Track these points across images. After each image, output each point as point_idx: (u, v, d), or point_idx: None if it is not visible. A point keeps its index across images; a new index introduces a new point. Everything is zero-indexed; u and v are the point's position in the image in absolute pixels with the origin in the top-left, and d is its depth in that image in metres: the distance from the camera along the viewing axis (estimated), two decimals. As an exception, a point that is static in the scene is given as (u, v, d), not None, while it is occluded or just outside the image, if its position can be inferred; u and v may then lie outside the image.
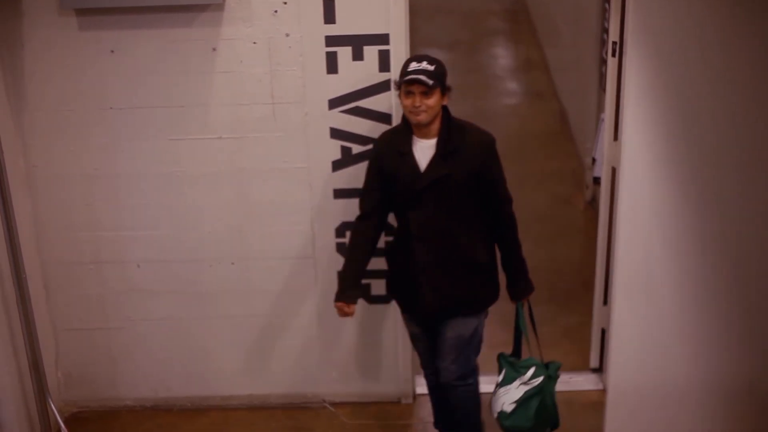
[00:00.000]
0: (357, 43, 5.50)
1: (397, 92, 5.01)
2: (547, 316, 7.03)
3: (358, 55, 5.52)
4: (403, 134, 5.04)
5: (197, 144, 5.70)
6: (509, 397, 5.29)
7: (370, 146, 5.61)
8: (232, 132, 5.68)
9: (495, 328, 6.92)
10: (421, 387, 6.28)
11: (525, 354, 5.48)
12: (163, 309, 6.03)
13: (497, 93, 11.01)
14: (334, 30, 5.48)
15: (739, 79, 5.07)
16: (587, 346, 6.45)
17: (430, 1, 12.95)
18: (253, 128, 5.65)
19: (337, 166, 5.70)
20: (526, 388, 5.28)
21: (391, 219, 5.26)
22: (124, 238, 5.90)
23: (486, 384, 6.22)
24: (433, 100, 4.87)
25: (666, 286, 5.40)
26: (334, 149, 5.69)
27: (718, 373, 5.54)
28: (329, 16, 5.46)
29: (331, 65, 5.54)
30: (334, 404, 6.19)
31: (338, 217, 5.80)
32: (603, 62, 7.23)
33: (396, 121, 5.60)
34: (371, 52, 5.51)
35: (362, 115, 5.61)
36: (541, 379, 5.28)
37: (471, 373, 5.36)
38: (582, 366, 6.48)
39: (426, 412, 6.13)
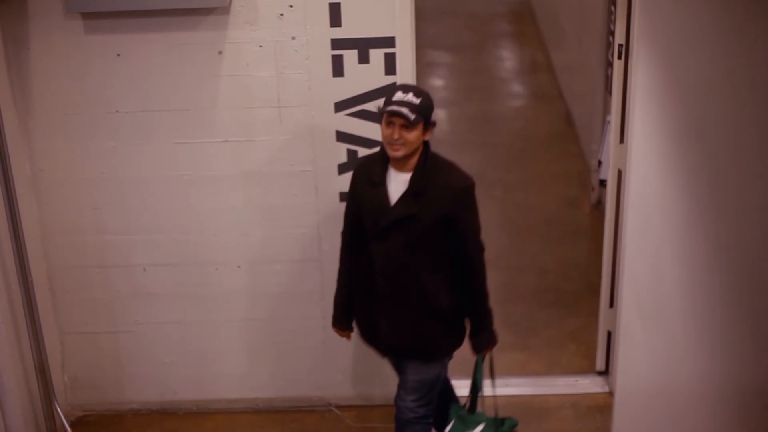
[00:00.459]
0: (363, 46, 5.50)
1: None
2: (553, 319, 7.05)
3: (364, 58, 5.52)
4: (379, 163, 4.81)
5: (203, 147, 5.70)
6: None
7: (376, 149, 5.60)
8: (239, 135, 5.68)
9: (501, 329, 6.87)
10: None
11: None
12: (169, 312, 6.04)
13: (503, 95, 11.00)
14: (339, 33, 5.48)
15: (745, 81, 5.06)
16: (593, 349, 6.45)
17: (436, 4, 12.98)
18: (260, 131, 5.66)
19: (343, 169, 5.70)
20: None
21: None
22: (130, 241, 5.91)
23: (486, 387, 6.28)
24: (413, 135, 4.62)
25: (673, 288, 5.40)
26: (340, 152, 5.69)
27: (726, 376, 5.53)
28: (335, 19, 5.46)
29: (337, 68, 5.54)
30: (339, 407, 6.19)
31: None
32: (609, 64, 7.22)
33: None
34: (377, 55, 5.51)
35: (368, 118, 5.61)
36: None
37: (431, 413, 5.14)
38: (588, 369, 6.48)
39: (432, 415, 6.13)
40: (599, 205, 8.22)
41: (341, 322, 5.19)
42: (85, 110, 5.66)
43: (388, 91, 4.88)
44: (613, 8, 6.82)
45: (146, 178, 5.78)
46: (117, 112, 5.65)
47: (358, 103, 5.60)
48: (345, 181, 5.70)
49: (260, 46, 5.52)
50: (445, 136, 9.89)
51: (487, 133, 9.96)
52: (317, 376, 6.15)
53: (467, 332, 5.03)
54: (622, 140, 5.74)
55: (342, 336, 5.24)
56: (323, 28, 5.48)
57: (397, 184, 4.75)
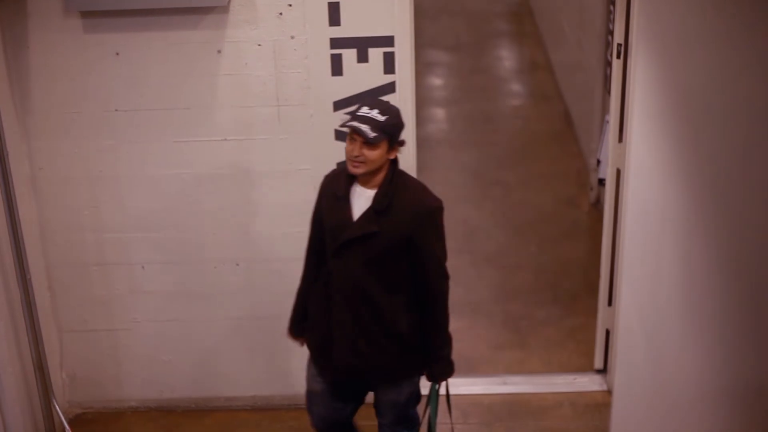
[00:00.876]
0: (362, 46, 5.50)
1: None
2: (552, 318, 7.07)
3: (362, 57, 5.53)
4: (345, 176, 4.62)
5: (202, 146, 5.71)
6: None
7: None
8: (237, 134, 5.68)
9: (497, 329, 6.97)
10: (425, 388, 6.30)
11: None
12: (167, 310, 6.05)
13: (502, 94, 11.01)
14: (338, 32, 5.49)
15: (745, 80, 5.07)
16: (591, 347, 6.46)
17: (435, 3, 12.97)
18: (258, 130, 5.66)
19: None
20: None
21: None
22: (129, 239, 5.91)
23: (482, 384, 6.32)
24: (375, 154, 4.45)
25: (672, 287, 5.40)
26: (338, 151, 5.68)
27: (725, 374, 5.54)
28: (334, 19, 5.46)
29: (336, 67, 5.55)
30: (338, 406, 6.20)
31: (343, 219, 5.81)
32: (608, 64, 7.23)
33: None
34: (376, 54, 5.52)
35: (367, 117, 5.61)
36: None
37: (414, 428, 5.04)
38: (586, 367, 6.49)
39: (430, 413, 6.15)
40: (598, 204, 8.23)
41: (295, 329, 5.06)
42: (85, 109, 5.66)
43: (355, 104, 4.79)
44: (612, 8, 6.83)
45: (145, 177, 5.79)
46: (116, 110, 5.66)
47: (357, 102, 5.60)
48: (344, 180, 5.72)
49: (259, 45, 5.53)
50: (444, 135, 9.91)
51: (486, 132, 9.97)
52: (316, 374, 6.15)
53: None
54: (620, 139, 5.75)
55: (295, 341, 5.10)
56: (322, 27, 5.48)
57: (361, 200, 4.59)
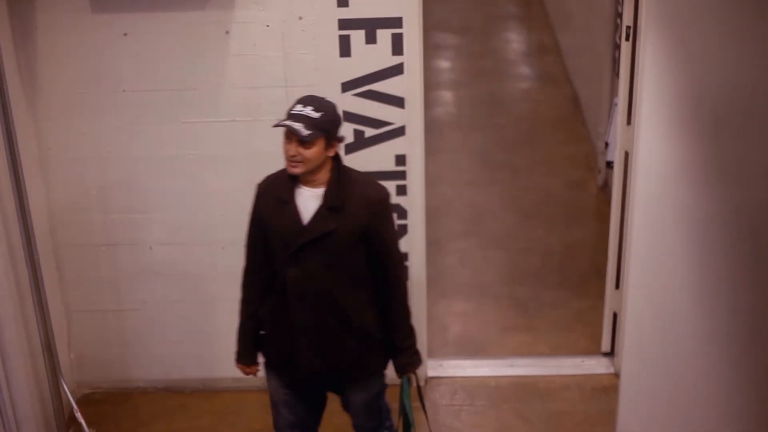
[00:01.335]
0: (370, 27, 5.49)
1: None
2: (560, 301, 7.07)
3: (371, 39, 5.52)
4: (286, 179, 4.47)
5: (210, 127, 5.71)
6: None
7: (383, 129, 5.63)
8: (245, 115, 5.68)
9: (505, 311, 6.98)
10: (433, 370, 6.32)
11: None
12: (175, 291, 6.05)
13: (510, 77, 10.99)
14: (347, 13, 5.47)
15: (757, 62, 5.03)
16: (599, 330, 6.46)
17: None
18: (266, 111, 5.64)
19: (350, 149, 5.70)
20: None
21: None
22: (137, 220, 5.92)
23: (489, 366, 6.30)
24: (311, 152, 4.31)
25: (681, 269, 5.39)
26: (347, 132, 5.67)
27: (734, 357, 5.52)
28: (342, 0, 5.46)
29: (344, 48, 5.54)
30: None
31: (351, 201, 5.80)
32: (616, 47, 7.21)
33: (409, 105, 5.61)
34: (384, 35, 5.51)
35: (375, 98, 5.61)
36: None
37: (387, 418, 4.97)
38: (593, 350, 6.50)
39: (437, 395, 6.16)
40: (605, 187, 8.22)
41: (247, 357, 4.85)
42: (92, 89, 5.66)
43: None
44: (620, -10, 6.80)
45: (153, 157, 5.79)
46: (124, 91, 5.66)
47: (365, 83, 5.60)
48: (352, 162, 5.67)
49: (267, 25, 5.52)
50: (452, 118, 9.90)
51: (494, 116, 9.96)
52: (323, 355, 6.16)
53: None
54: (629, 122, 5.74)
55: (248, 373, 4.90)
56: (330, 8, 5.47)
57: (308, 201, 4.45)
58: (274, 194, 4.51)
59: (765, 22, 4.97)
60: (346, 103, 5.61)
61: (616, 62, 7.04)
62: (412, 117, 5.67)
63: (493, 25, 12.31)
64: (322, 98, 4.46)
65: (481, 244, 7.79)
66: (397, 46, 5.52)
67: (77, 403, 5.90)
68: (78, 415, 5.80)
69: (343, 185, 4.43)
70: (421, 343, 6.09)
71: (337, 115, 4.44)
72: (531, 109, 10.12)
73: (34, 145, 5.74)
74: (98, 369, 6.26)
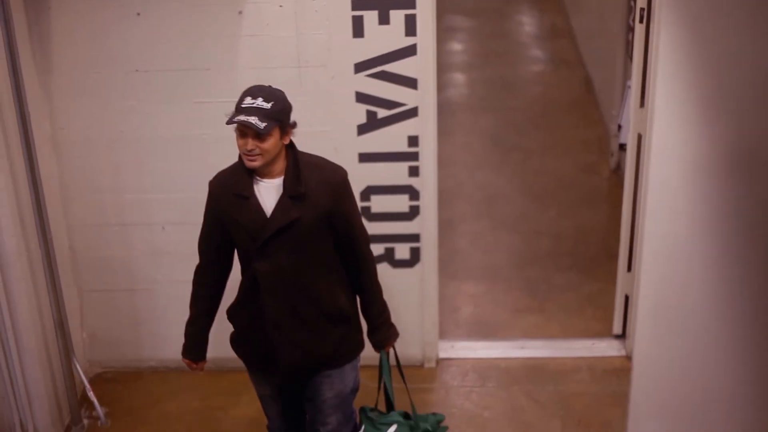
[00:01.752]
0: (383, 7, 5.48)
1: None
2: (571, 283, 7.07)
3: (384, 19, 5.50)
4: (242, 174, 4.40)
5: (223, 107, 5.63)
6: None
7: (395, 110, 5.62)
8: (258, 95, 5.67)
9: (516, 293, 6.98)
10: (444, 351, 6.33)
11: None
12: (187, 271, 5.99)
13: (522, 60, 10.97)
14: (360, -7, 5.47)
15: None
16: (610, 313, 6.46)
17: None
18: (279, 92, 5.65)
19: (362, 130, 5.70)
20: None
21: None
22: (149, 200, 5.93)
23: (500, 348, 6.29)
24: (269, 143, 4.24)
25: (694, 252, 5.37)
26: (359, 113, 5.68)
27: (748, 340, 5.51)
28: (355, -20, 5.45)
29: (357, 29, 5.53)
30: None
31: (363, 181, 5.81)
32: (629, 29, 7.19)
33: (422, 86, 5.60)
34: (397, 16, 5.49)
35: (388, 79, 5.60)
36: None
37: (355, 426, 4.87)
38: (605, 332, 6.50)
39: (449, 376, 6.17)
40: (618, 170, 8.21)
41: (192, 352, 4.85)
42: (105, 69, 5.66)
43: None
44: (635, -28, 6.77)
45: (166, 138, 5.80)
46: (137, 71, 5.66)
47: (378, 64, 5.59)
48: (364, 143, 5.72)
49: (280, 6, 5.51)
50: (464, 100, 9.89)
51: (506, 98, 9.95)
52: (334, 336, 6.16)
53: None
54: (642, 104, 5.73)
55: (194, 369, 4.90)
56: (344, -12, 5.46)
57: (268, 192, 4.39)
58: (233, 191, 4.43)
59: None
60: (359, 84, 5.61)
61: (629, 45, 7.01)
62: (424, 98, 5.66)
63: (506, 7, 12.29)
64: (270, 87, 4.40)
65: (493, 226, 7.79)
66: (411, 27, 5.51)
67: (89, 382, 5.93)
68: (90, 394, 5.83)
69: (301, 172, 4.36)
70: (432, 324, 6.13)
71: (288, 102, 4.37)
72: (544, 92, 10.11)
73: (47, 125, 5.75)
74: (110, 348, 6.28)
